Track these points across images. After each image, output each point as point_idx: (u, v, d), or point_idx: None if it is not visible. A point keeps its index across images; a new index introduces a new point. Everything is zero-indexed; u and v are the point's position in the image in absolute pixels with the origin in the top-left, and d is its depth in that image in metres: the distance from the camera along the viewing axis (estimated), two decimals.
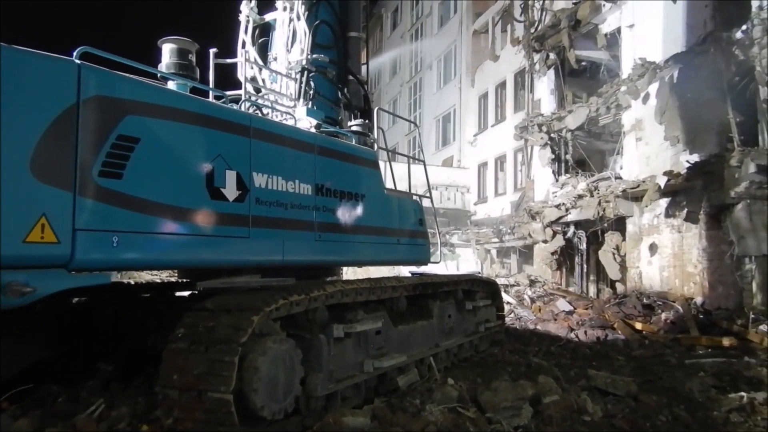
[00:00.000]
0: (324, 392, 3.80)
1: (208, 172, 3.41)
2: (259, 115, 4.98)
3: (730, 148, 9.89)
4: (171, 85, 3.78)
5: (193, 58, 3.95)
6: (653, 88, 11.96)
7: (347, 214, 4.69)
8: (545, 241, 14.52)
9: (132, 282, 5.95)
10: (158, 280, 9.10)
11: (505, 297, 11.76)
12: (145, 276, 10.28)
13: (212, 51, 4.22)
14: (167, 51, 3.87)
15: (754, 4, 10.15)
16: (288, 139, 4.11)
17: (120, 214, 2.96)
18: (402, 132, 28.12)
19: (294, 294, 3.55)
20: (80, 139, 2.84)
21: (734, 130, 10.01)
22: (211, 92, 4.06)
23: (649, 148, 12.12)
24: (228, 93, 4.17)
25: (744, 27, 10.05)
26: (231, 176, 3.55)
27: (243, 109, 4.11)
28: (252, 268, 3.95)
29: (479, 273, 7.75)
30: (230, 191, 3.54)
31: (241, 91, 4.16)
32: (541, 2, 17.07)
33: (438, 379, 4.96)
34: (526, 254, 16.69)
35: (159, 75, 3.73)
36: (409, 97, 29.23)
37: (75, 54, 2.95)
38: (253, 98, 5.19)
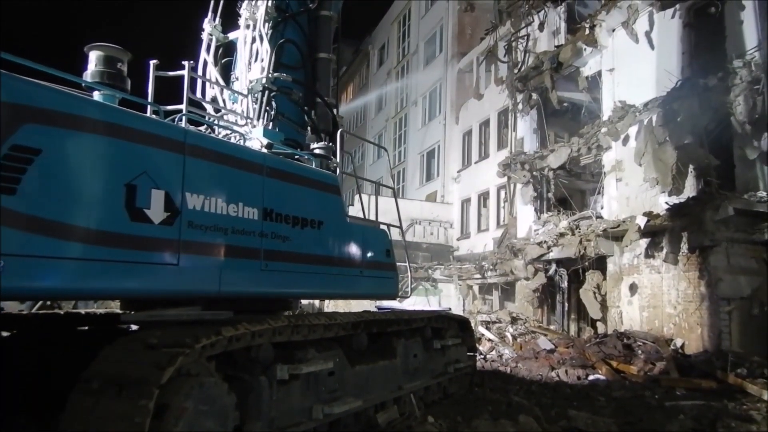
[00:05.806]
0: None
1: (128, 190, 3.03)
2: (214, 135, 4.67)
3: (707, 191, 9.88)
4: (96, 95, 3.45)
5: (123, 67, 3.62)
6: (633, 131, 12.08)
7: (300, 241, 4.32)
8: (527, 279, 14.29)
9: (105, 311, 5.56)
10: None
11: (487, 334, 11.45)
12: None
13: (152, 62, 3.94)
14: (94, 58, 3.54)
15: (732, 52, 10.31)
16: (231, 158, 3.76)
17: (9, 234, 2.55)
18: (387, 166, 28.04)
19: (221, 330, 3.13)
20: None
21: (712, 174, 10.01)
22: (149, 106, 3.75)
23: (629, 188, 12.10)
24: (167, 108, 3.86)
25: (719, 74, 10.19)
26: (158, 196, 3.17)
27: (183, 124, 3.77)
28: (184, 299, 3.55)
29: (449, 309, 7.39)
30: (156, 213, 3.15)
31: (182, 106, 3.85)
32: (524, 44, 17.37)
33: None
34: (508, 291, 16.42)
35: (84, 84, 3.40)
36: (394, 132, 29.37)
37: None
38: (205, 117, 4.89)
